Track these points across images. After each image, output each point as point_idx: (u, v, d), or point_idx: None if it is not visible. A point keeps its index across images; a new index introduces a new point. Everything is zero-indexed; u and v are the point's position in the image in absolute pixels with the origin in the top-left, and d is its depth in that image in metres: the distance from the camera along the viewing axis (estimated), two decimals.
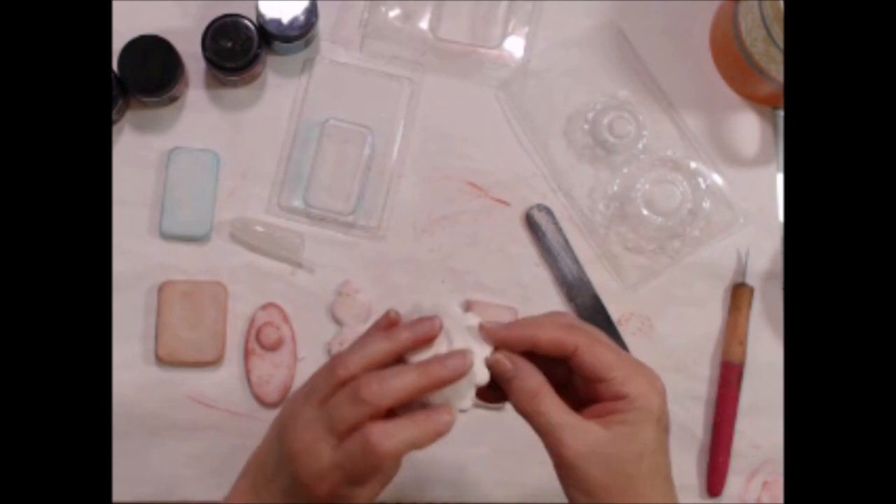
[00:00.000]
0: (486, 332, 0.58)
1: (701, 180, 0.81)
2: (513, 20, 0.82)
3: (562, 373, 0.59)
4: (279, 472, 0.58)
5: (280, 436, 0.59)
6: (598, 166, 0.82)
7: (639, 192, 0.81)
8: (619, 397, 0.57)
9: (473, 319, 0.59)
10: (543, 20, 0.83)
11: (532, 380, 0.57)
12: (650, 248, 0.81)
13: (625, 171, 0.82)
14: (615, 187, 0.82)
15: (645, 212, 0.81)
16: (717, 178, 0.82)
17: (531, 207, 0.81)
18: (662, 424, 0.58)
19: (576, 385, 0.59)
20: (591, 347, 0.57)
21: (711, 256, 0.82)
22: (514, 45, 0.82)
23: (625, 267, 0.82)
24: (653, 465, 0.57)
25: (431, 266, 0.81)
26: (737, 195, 0.81)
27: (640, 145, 0.82)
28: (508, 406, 0.79)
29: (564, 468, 0.57)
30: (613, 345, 0.59)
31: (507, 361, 0.58)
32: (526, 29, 0.83)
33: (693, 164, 0.82)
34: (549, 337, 0.57)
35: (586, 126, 0.82)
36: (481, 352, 0.58)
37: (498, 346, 0.58)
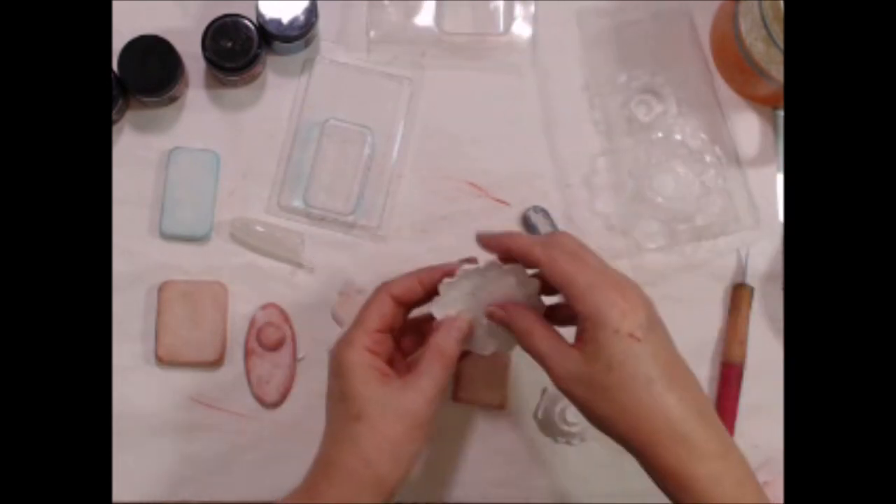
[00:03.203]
0: (479, 235, 0.67)
1: (714, 173, 0.81)
2: (517, 4, 0.83)
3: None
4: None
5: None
6: (615, 145, 0.82)
7: (652, 175, 0.80)
8: (579, 314, 0.61)
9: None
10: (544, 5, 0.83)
11: (524, 320, 0.64)
12: (656, 232, 0.81)
13: (640, 154, 0.82)
14: (629, 169, 0.82)
15: (658, 198, 0.80)
16: (726, 176, 0.82)
17: (528, 209, 0.81)
18: (624, 333, 0.59)
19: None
20: (553, 262, 0.62)
21: (711, 256, 0.82)
22: (522, 28, 0.83)
23: (625, 266, 0.82)
24: (626, 374, 0.59)
25: None
26: (737, 195, 0.81)
27: (660, 133, 0.82)
28: (508, 406, 0.80)
29: (561, 392, 0.63)
30: (591, 262, 0.62)
31: (498, 310, 0.65)
32: (532, 9, 0.83)
33: (708, 158, 0.81)
34: (518, 246, 0.64)
35: (602, 106, 0.82)
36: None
37: (486, 247, 0.67)
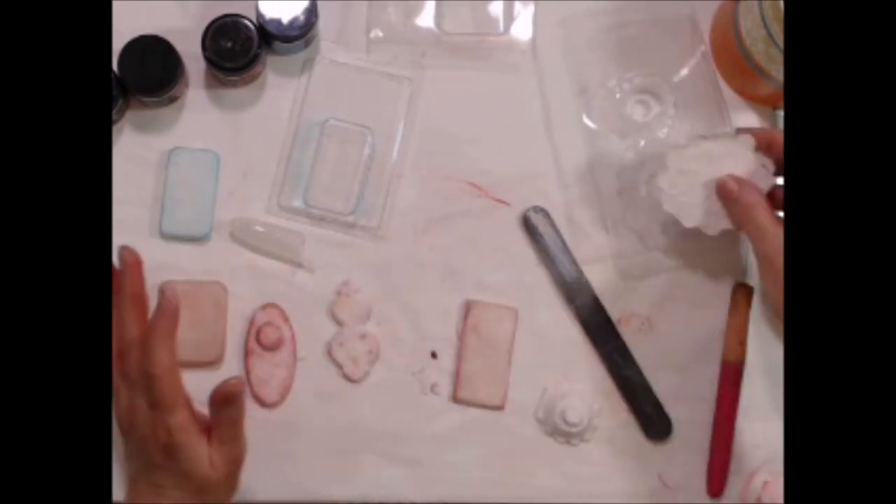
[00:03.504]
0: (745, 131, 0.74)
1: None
2: (517, 4, 0.83)
3: None
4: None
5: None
6: (613, 146, 0.82)
7: (651, 175, 0.80)
8: None
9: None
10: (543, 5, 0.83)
11: (752, 196, 0.71)
12: (657, 232, 0.81)
13: (642, 143, 0.82)
14: (629, 168, 0.82)
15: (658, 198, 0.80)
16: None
17: (528, 210, 0.81)
18: None
19: None
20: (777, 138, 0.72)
21: (711, 256, 0.82)
22: (522, 28, 0.83)
23: (625, 266, 0.82)
24: None
25: (431, 266, 0.81)
26: None
27: (659, 134, 0.82)
28: (508, 406, 0.80)
29: (764, 262, 0.69)
30: None
31: (732, 182, 0.72)
32: (532, 9, 0.83)
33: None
34: (765, 135, 0.73)
35: (606, 100, 0.82)
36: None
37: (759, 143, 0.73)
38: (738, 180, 0.72)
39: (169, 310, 0.71)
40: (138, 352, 0.70)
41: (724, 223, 0.74)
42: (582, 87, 0.82)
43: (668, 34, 0.83)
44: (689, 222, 0.75)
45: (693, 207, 0.75)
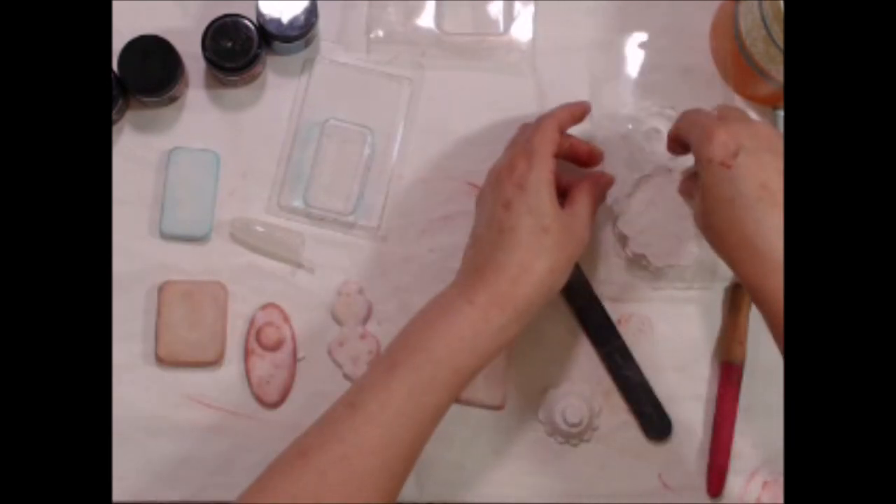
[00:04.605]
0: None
1: None
2: (517, 4, 0.83)
3: None
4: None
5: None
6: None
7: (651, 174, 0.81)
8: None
9: None
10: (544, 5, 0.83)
11: (685, 183, 0.73)
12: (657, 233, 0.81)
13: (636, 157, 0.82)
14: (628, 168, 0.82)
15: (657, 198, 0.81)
16: None
17: None
18: (716, 162, 0.64)
19: None
20: (679, 120, 0.71)
21: (712, 256, 0.82)
22: (522, 28, 0.83)
23: (623, 265, 0.82)
24: (714, 197, 0.65)
25: (431, 266, 0.81)
26: None
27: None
28: (508, 406, 0.80)
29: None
30: (721, 113, 0.70)
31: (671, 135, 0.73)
32: (532, 9, 0.83)
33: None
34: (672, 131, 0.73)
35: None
36: None
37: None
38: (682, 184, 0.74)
39: (574, 105, 0.75)
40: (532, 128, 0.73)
41: (694, 248, 0.76)
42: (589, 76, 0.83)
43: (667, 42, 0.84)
44: (657, 262, 0.77)
45: (659, 245, 0.77)
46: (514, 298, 0.67)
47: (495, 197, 0.70)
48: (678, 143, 0.72)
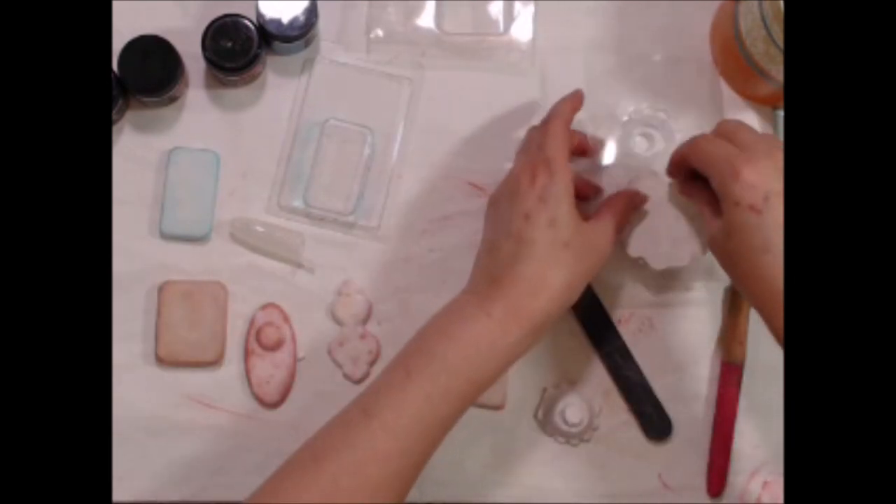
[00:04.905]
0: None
1: None
2: (517, 4, 0.83)
3: None
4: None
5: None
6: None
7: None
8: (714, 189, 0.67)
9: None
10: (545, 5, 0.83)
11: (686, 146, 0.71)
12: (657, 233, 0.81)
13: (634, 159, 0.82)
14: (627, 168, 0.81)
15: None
16: None
17: None
18: (745, 205, 0.64)
19: None
20: (694, 147, 0.69)
21: (712, 256, 0.82)
22: (522, 28, 0.83)
23: (624, 266, 0.82)
24: (741, 242, 0.65)
25: (431, 266, 0.81)
26: None
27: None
28: (508, 406, 0.80)
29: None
30: (741, 138, 0.67)
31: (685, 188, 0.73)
32: (532, 9, 0.83)
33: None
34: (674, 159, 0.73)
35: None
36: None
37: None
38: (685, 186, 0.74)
39: (572, 97, 0.74)
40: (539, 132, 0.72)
41: (691, 249, 0.75)
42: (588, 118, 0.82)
43: (680, 72, 0.83)
44: (656, 265, 0.76)
45: (656, 248, 0.76)
46: (532, 312, 0.67)
47: (514, 206, 0.69)
48: (683, 170, 0.72)
